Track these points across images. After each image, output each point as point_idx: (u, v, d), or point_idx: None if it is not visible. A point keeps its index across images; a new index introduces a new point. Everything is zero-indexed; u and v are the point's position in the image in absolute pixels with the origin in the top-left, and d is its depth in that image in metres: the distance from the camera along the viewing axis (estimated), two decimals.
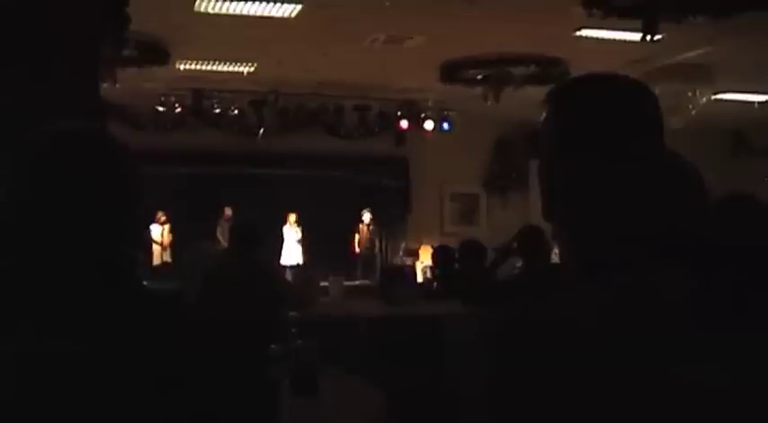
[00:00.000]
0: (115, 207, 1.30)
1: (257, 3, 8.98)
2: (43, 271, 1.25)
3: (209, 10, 9.16)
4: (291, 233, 14.52)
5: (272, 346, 4.68)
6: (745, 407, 0.97)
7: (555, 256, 5.76)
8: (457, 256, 7.15)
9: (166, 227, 13.93)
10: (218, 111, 13.36)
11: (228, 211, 13.88)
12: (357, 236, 15.08)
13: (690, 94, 11.46)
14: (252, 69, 12.04)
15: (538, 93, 11.73)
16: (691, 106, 11.52)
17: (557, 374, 0.98)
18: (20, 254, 1.26)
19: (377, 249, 15.36)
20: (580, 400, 0.97)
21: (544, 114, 1.19)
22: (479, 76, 11.77)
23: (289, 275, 11.45)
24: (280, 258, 14.00)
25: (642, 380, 0.96)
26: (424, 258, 13.59)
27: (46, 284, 1.24)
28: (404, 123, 14.45)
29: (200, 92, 13.07)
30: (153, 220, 13.72)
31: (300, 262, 14.14)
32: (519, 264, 5.73)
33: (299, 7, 9.11)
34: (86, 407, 1.18)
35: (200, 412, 1.27)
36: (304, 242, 14.46)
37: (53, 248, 1.25)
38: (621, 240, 1.09)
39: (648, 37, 8.58)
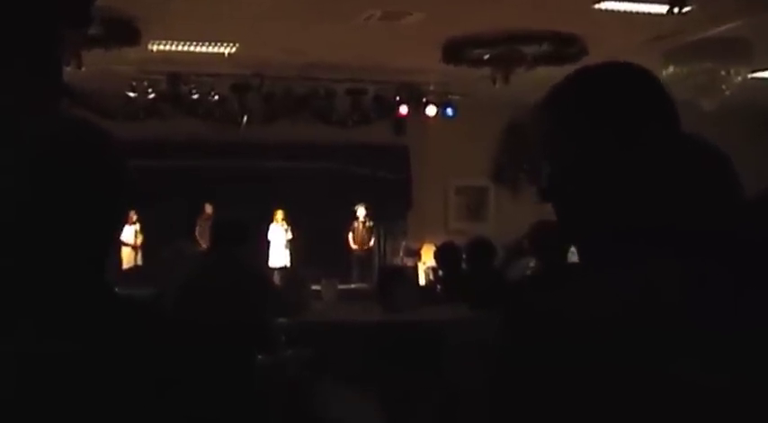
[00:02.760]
0: (110, 203, 1.33)
1: None
2: (42, 270, 1.28)
3: None
4: (279, 232, 14.55)
5: (260, 355, 4.72)
6: (740, 405, 1.03)
7: (572, 255, 5.78)
8: (463, 255, 7.18)
9: (137, 226, 13.94)
10: (196, 97, 13.35)
11: (209, 209, 13.92)
12: (352, 234, 15.12)
13: (723, 72, 11.44)
14: (233, 50, 12.04)
15: (552, 74, 11.69)
16: (725, 86, 11.50)
17: (561, 372, 1.05)
18: (19, 253, 1.29)
19: (374, 249, 15.39)
20: (581, 398, 1.04)
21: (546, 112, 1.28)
22: (486, 56, 11.77)
23: (277, 278, 11.47)
24: (267, 260, 14.03)
25: (637, 376, 1.03)
26: (427, 259, 13.61)
27: (45, 284, 1.27)
28: (403, 109, 14.45)
29: (176, 76, 13.06)
30: None
31: (289, 264, 14.17)
32: (532, 263, 5.76)
33: None
34: (86, 408, 1.21)
35: None
36: (293, 242, 14.49)
37: (51, 247, 1.28)
38: (626, 232, 1.15)
39: (676, 9, 8.60)
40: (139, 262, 13.75)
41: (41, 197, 1.29)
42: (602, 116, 1.22)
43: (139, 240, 13.99)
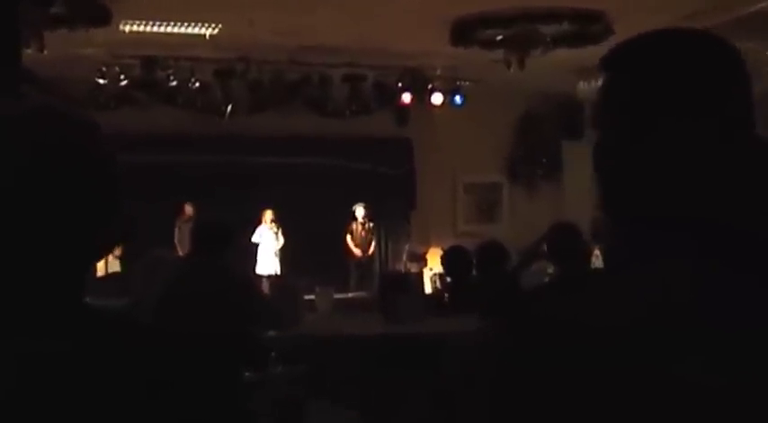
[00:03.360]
0: (94, 205, 1.34)
1: None
2: (8, 277, 1.29)
3: None
4: (268, 235, 14.55)
5: (248, 372, 4.73)
6: (744, 407, 1.06)
7: (595, 259, 5.80)
8: (473, 260, 7.19)
9: None
10: (174, 84, 13.36)
11: (189, 210, 13.92)
12: (350, 237, 15.12)
13: None
14: (215, 31, 12.05)
15: (573, 56, 11.66)
16: None
17: (570, 377, 1.09)
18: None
19: (375, 254, 15.40)
20: (589, 402, 1.08)
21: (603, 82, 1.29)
22: (499, 37, 11.77)
23: (266, 287, 11.49)
24: (254, 266, 14.04)
25: (641, 378, 1.06)
26: (433, 264, 13.63)
27: (11, 292, 1.29)
28: (406, 97, 14.47)
29: (152, 60, 13.07)
30: None
31: (280, 271, 14.19)
32: (550, 269, 5.76)
33: None
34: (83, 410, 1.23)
35: None
36: (284, 246, 14.49)
37: (22, 253, 1.29)
38: (653, 224, 1.17)
39: None
40: (117, 269, 13.74)
41: (15, 197, 1.29)
42: (624, 99, 1.24)
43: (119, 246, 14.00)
